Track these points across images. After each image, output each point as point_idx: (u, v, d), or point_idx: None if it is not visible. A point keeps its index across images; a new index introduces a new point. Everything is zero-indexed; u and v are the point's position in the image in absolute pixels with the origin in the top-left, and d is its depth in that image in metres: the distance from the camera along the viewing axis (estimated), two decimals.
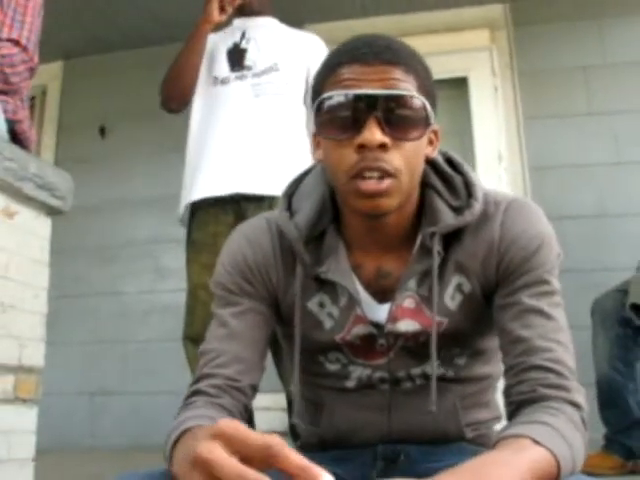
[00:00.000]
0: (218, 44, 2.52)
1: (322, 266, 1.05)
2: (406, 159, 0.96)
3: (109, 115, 4.57)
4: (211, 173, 2.34)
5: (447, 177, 1.07)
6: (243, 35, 2.49)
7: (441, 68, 4.10)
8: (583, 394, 0.95)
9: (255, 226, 1.13)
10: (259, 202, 2.25)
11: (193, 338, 2.30)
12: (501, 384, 1.16)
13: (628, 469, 2.67)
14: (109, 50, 4.59)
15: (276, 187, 2.22)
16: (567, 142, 3.98)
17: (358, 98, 0.94)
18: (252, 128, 2.34)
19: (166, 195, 4.36)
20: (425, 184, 1.07)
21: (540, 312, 0.98)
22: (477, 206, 1.03)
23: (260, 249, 1.09)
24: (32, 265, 1.86)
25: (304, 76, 2.45)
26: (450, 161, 1.10)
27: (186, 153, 2.48)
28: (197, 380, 1.04)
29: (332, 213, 1.08)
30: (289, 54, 2.44)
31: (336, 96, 0.96)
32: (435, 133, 1.06)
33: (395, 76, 0.95)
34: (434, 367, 1.03)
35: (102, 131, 4.56)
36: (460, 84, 4.21)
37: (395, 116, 0.94)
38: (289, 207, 1.10)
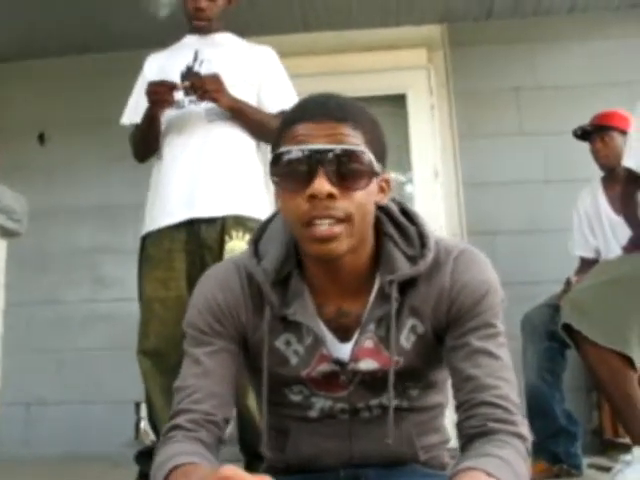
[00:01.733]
0: (169, 63, 2.53)
1: (289, 308, 1.14)
2: (355, 206, 1.05)
3: (49, 122, 4.50)
4: (165, 202, 2.40)
5: (402, 227, 1.17)
6: (196, 56, 2.50)
7: (380, 85, 4.25)
8: (527, 426, 1.07)
9: (225, 270, 1.21)
10: (212, 222, 2.32)
11: (148, 351, 2.34)
12: (450, 412, 1.28)
13: (554, 473, 2.83)
14: (49, 55, 4.51)
15: (228, 208, 2.30)
16: (500, 160, 4.15)
17: (308, 153, 1.04)
18: (205, 153, 2.39)
19: (106, 204, 4.36)
20: (381, 232, 1.17)
21: (488, 353, 1.09)
22: (430, 255, 1.13)
23: (230, 291, 1.18)
24: None
25: (255, 95, 2.50)
26: (404, 212, 1.20)
27: (151, 178, 2.55)
28: (175, 415, 1.12)
29: (295, 257, 1.17)
30: (242, 77, 2.47)
31: (289, 151, 1.06)
32: (386, 182, 1.15)
33: (343, 132, 1.05)
34: (391, 401, 1.13)
35: (41, 138, 4.50)
36: (399, 101, 4.33)
37: (342, 168, 1.04)
38: (256, 252, 1.19)
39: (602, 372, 2.11)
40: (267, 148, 2.47)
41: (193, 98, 2.40)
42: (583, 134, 3.37)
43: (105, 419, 3.97)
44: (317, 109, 1.07)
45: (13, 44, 4.45)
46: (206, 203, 2.34)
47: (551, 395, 2.87)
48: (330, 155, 1.03)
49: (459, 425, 1.09)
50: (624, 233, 3.10)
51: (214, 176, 2.37)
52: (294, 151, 1.06)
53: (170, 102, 2.36)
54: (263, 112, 2.46)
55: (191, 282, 2.25)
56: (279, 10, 4.20)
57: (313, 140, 1.04)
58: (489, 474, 0.93)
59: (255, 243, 1.21)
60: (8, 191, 1.79)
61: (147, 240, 2.44)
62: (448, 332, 1.13)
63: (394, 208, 1.19)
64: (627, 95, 3.53)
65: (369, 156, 1.06)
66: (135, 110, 2.53)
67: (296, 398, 1.20)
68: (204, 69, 2.46)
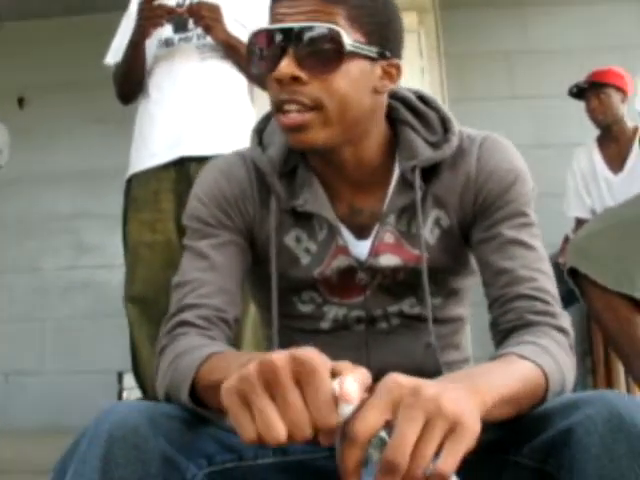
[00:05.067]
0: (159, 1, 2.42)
1: (298, 199, 1.04)
2: (330, 91, 0.94)
3: (28, 85, 4.37)
4: (152, 142, 2.29)
5: (421, 113, 1.07)
6: None
7: None
8: (569, 320, 0.98)
9: (229, 160, 1.11)
10: (202, 161, 2.20)
11: (135, 297, 2.23)
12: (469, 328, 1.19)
13: None
14: (27, 18, 4.37)
15: (219, 146, 2.18)
16: (491, 123, 4.03)
17: (274, 33, 0.95)
18: (195, 91, 2.28)
19: (88, 169, 4.25)
20: (395, 120, 1.07)
21: (521, 243, 1.00)
22: (455, 140, 1.03)
23: (236, 181, 1.07)
24: None
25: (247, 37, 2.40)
26: (422, 98, 1.09)
27: (135, 120, 2.42)
28: (180, 310, 1.00)
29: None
30: (235, 15, 2.36)
31: (259, 32, 0.98)
32: (396, 67, 1.02)
33: (316, 8, 0.94)
34: (427, 296, 1.03)
35: (20, 102, 4.38)
36: None
37: (308, 49, 0.93)
38: (260, 142, 1.09)
39: (608, 318, 2.04)
40: (260, 92, 2.39)
41: (184, 35, 2.31)
42: (578, 92, 3.32)
43: (87, 389, 3.87)
44: None
45: None
46: (196, 141, 2.22)
47: None
48: (295, 35, 0.93)
49: (494, 322, 1.00)
50: (620, 192, 3.06)
51: (205, 114, 2.26)
52: (261, 32, 0.98)
53: (162, 23, 2.25)
54: None
55: (180, 225, 2.14)
56: None
57: (285, 19, 0.95)
58: (523, 357, 0.84)
59: (259, 132, 1.10)
60: None
61: (132, 181, 2.33)
62: (476, 225, 1.04)
63: (411, 96, 1.09)
64: (620, 59, 3.50)
65: (344, 34, 0.93)
66: (120, 49, 2.40)
67: (306, 308, 1.09)
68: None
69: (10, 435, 3.62)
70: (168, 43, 2.33)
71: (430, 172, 1.04)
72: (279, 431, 0.62)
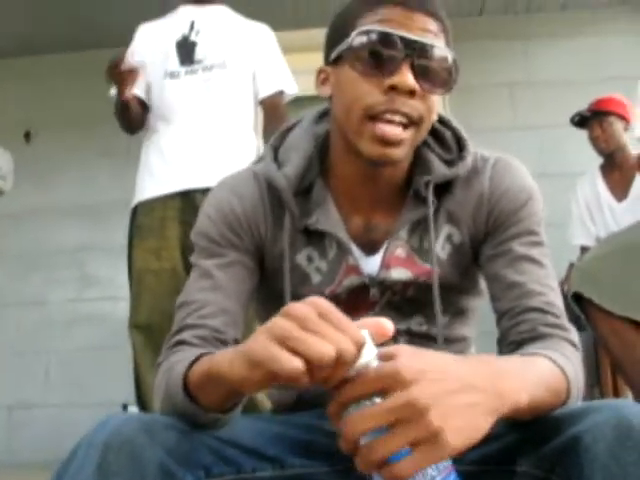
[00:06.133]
0: (165, 33, 2.46)
1: (311, 217, 1.03)
2: (429, 110, 0.96)
3: (34, 120, 4.42)
4: (161, 171, 2.32)
5: (437, 131, 1.08)
6: (192, 26, 2.42)
7: None
8: (578, 336, 0.97)
9: (241, 177, 1.09)
10: (207, 191, 2.22)
11: (140, 325, 2.23)
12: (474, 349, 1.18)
13: None
14: (35, 53, 4.45)
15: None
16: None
17: (399, 40, 0.93)
18: (202, 124, 2.32)
19: (93, 202, 4.28)
20: None
21: (532, 260, 1.01)
22: (469, 159, 1.05)
23: (248, 199, 1.05)
24: None
25: (251, 76, 2.43)
26: (438, 117, 1.10)
27: (141, 151, 2.45)
28: (180, 330, 0.99)
29: (319, 167, 1.06)
30: (238, 51, 2.41)
31: (376, 32, 0.94)
32: None
33: (432, 28, 0.96)
34: (438, 310, 1.03)
35: (27, 136, 4.42)
36: None
37: (429, 66, 0.94)
38: (276, 158, 1.08)
39: (614, 343, 2.02)
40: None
41: (189, 68, 2.34)
42: (581, 121, 3.33)
43: (91, 423, 3.82)
44: None
45: (1, 42, 4.38)
46: (203, 173, 2.25)
47: None
48: (422, 49, 0.93)
49: (503, 335, 1.00)
50: (625, 219, 3.05)
51: (211, 146, 2.30)
52: (382, 33, 0.93)
53: (134, 83, 2.30)
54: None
55: (185, 253, 2.15)
56: (271, 5, 4.13)
57: (402, 28, 0.94)
58: (554, 362, 0.84)
59: (275, 149, 1.09)
60: None
61: (138, 210, 2.35)
62: (487, 241, 1.05)
63: None
64: (620, 90, 3.51)
65: (455, 61, 0.97)
66: None
67: None
68: (200, 39, 2.39)
69: (14, 468, 3.60)
70: (174, 75, 2.36)
71: (444, 189, 1.05)
72: (328, 349, 0.63)
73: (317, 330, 0.64)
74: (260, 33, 2.52)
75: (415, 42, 0.93)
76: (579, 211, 3.34)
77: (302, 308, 0.66)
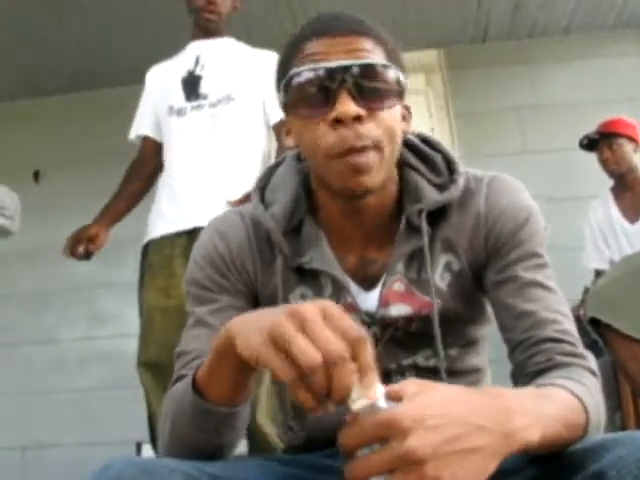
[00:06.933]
0: (172, 71, 2.48)
1: (304, 256, 1.01)
2: (384, 129, 0.92)
3: (43, 160, 4.44)
4: (171, 210, 2.35)
5: (426, 156, 1.05)
6: (197, 61, 2.44)
7: None
8: (595, 363, 0.93)
9: (226, 218, 1.08)
10: None
11: (148, 362, 2.22)
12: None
13: None
14: (43, 94, 4.48)
15: None
16: None
17: (328, 71, 0.91)
18: (210, 161, 2.33)
19: None
20: (402, 164, 1.04)
21: (539, 285, 0.96)
22: (461, 181, 1.01)
23: (233, 239, 1.04)
24: None
25: (261, 105, 2.43)
26: (426, 141, 1.08)
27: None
28: (177, 380, 0.98)
29: (307, 204, 1.04)
30: (244, 84, 2.41)
31: (304, 71, 0.92)
32: (407, 109, 1.02)
33: (364, 46, 0.93)
34: (439, 344, 0.99)
35: (36, 176, 4.44)
36: None
37: (368, 86, 0.91)
38: (262, 199, 1.06)
39: (633, 368, 1.99)
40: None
41: (196, 103, 2.35)
42: (590, 143, 3.31)
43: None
44: (331, 22, 0.94)
45: (7, 84, 4.41)
46: (209, 210, 2.23)
47: None
48: (353, 72, 0.90)
49: (518, 367, 0.95)
50: (638, 241, 3.02)
51: (218, 182, 2.30)
52: (309, 71, 0.92)
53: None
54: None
55: None
56: (269, 23, 4.09)
57: (330, 57, 0.91)
58: (572, 393, 0.81)
59: (261, 189, 1.07)
60: (0, 186, 1.70)
61: (149, 247, 2.38)
62: (489, 267, 1.00)
63: (414, 139, 1.07)
64: (626, 112, 3.49)
65: (396, 72, 0.94)
66: (141, 124, 2.52)
67: None
68: (205, 72, 2.40)
69: None
70: (180, 112, 2.37)
71: (438, 215, 1.01)
72: (314, 355, 0.62)
73: (314, 332, 0.64)
74: (267, 61, 2.50)
75: (345, 67, 0.90)
76: (592, 235, 3.30)
77: (306, 309, 0.66)
